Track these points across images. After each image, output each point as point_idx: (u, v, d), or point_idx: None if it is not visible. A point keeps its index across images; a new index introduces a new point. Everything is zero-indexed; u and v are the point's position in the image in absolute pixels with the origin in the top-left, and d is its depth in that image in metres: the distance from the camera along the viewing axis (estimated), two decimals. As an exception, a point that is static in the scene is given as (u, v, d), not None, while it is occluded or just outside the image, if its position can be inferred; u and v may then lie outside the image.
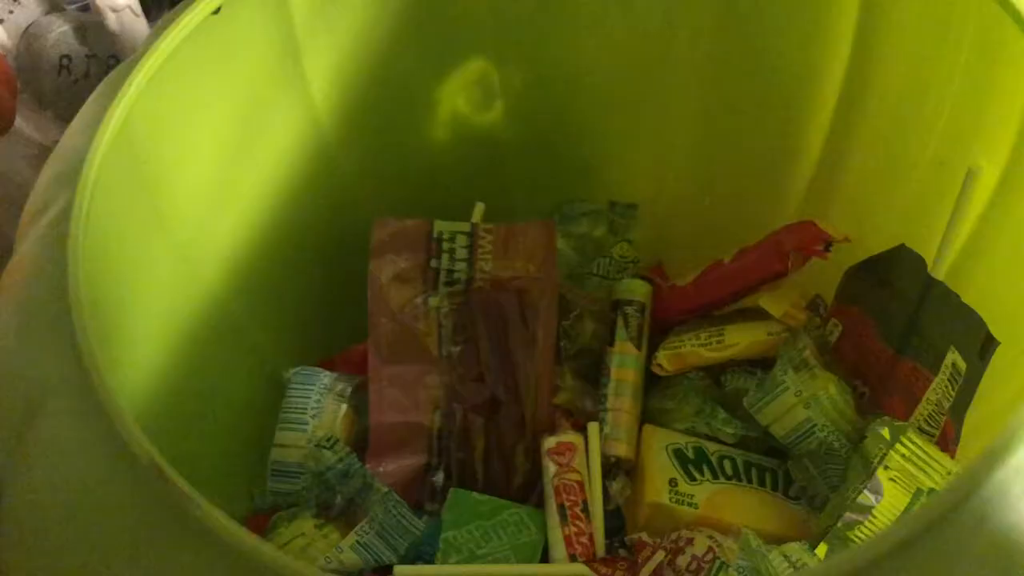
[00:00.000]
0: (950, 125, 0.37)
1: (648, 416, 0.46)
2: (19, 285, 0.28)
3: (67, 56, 0.54)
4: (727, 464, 0.43)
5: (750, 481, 0.43)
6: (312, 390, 0.43)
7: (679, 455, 0.43)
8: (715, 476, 0.43)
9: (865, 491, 0.39)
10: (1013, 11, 0.28)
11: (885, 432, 0.40)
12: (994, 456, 0.23)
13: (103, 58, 0.55)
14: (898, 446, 0.39)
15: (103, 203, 0.29)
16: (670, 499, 0.42)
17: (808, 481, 0.43)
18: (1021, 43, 0.30)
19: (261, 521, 0.40)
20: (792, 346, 0.44)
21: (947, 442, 0.40)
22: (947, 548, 0.21)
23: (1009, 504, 0.22)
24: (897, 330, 0.43)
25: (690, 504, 0.42)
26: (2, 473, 0.27)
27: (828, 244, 0.44)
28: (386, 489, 0.39)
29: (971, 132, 0.37)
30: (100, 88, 0.33)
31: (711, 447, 0.44)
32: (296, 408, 0.43)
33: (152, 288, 0.35)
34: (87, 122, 0.31)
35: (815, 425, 0.42)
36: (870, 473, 0.39)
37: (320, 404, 0.43)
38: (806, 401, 0.42)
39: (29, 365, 0.26)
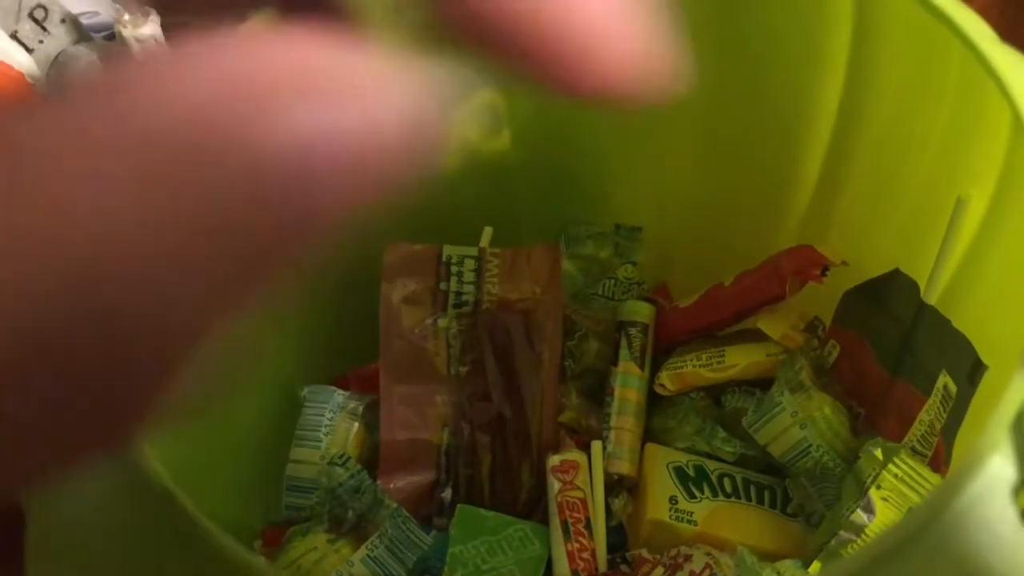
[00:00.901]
0: (939, 155, 0.38)
1: (650, 435, 0.47)
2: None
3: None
4: (727, 482, 0.45)
5: (749, 498, 0.44)
6: (326, 408, 0.45)
7: (680, 473, 0.44)
8: (715, 494, 0.44)
9: (858, 510, 0.40)
10: (990, 69, 0.29)
11: (878, 452, 0.41)
12: (952, 485, 0.24)
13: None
14: (891, 466, 0.40)
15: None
16: (670, 516, 0.43)
17: (805, 499, 0.44)
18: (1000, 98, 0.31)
19: (276, 534, 0.42)
20: (789, 368, 0.45)
21: (939, 462, 0.41)
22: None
23: (965, 534, 0.23)
24: (892, 353, 0.45)
25: (690, 521, 0.43)
26: (28, 499, 0.29)
27: (825, 268, 0.45)
28: (395, 505, 0.41)
29: (959, 162, 0.38)
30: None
31: (711, 465, 0.45)
32: (310, 425, 0.44)
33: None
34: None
35: (810, 445, 0.43)
36: (863, 492, 0.40)
37: (333, 422, 0.44)
38: (802, 422, 0.43)
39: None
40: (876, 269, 0.44)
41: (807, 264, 0.45)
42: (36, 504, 0.28)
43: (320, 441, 0.44)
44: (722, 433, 0.46)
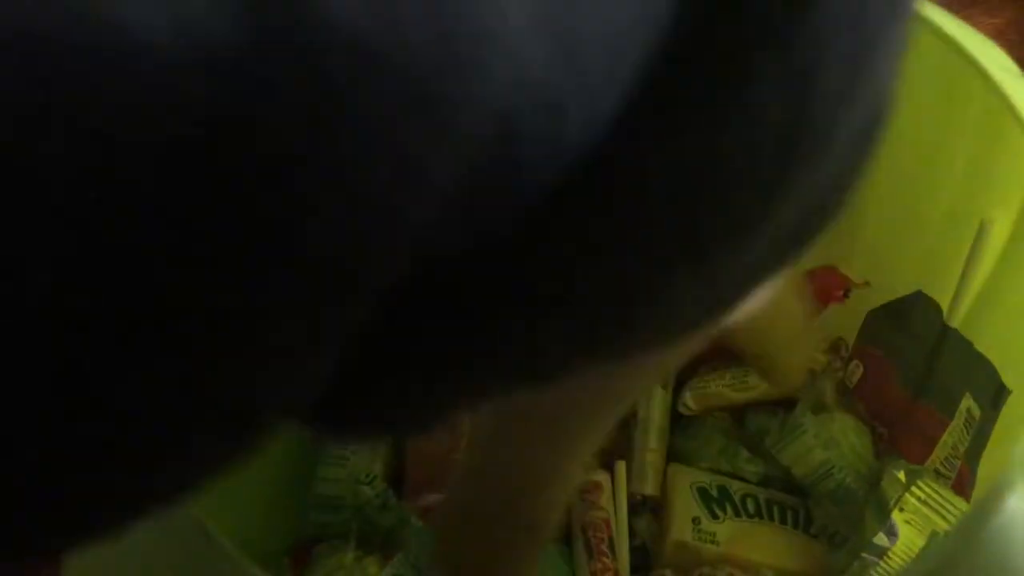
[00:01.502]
0: (962, 180, 0.39)
1: (673, 455, 0.47)
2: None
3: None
4: (750, 502, 0.45)
5: (772, 518, 0.45)
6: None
7: (703, 493, 0.45)
8: (737, 514, 0.44)
9: (881, 532, 0.40)
10: (1008, 103, 0.30)
11: (901, 475, 0.41)
12: (975, 519, 0.24)
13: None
14: (914, 489, 0.41)
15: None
16: (693, 537, 0.43)
17: (828, 519, 0.44)
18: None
19: (304, 551, 0.43)
20: (812, 389, 0.45)
21: (964, 485, 0.41)
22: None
23: (988, 566, 0.23)
24: (915, 374, 0.45)
25: (713, 542, 0.43)
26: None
27: (847, 290, 0.45)
28: (420, 524, 0.41)
29: (982, 187, 0.38)
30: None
31: (735, 485, 0.45)
32: (337, 443, 0.45)
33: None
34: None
35: (833, 467, 0.43)
36: (886, 515, 0.41)
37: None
38: (824, 443, 0.44)
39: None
40: (900, 290, 0.45)
41: (830, 285, 0.45)
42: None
43: (346, 459, 0.44)
44: (746, 453, 0.46)
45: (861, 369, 0.48)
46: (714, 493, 0.45)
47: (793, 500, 0.45)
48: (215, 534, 0.24)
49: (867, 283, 0.45)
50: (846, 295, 0.45)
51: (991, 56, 0.32)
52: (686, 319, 0.21)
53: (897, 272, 0.44)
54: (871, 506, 0.42)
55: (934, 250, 0.42)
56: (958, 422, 0.41)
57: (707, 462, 0.46)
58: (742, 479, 0.46)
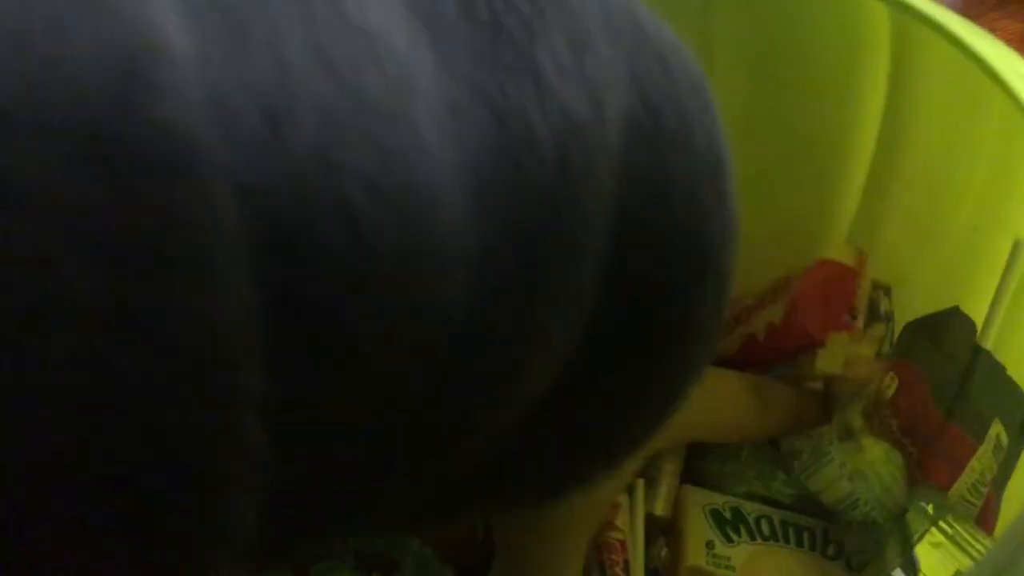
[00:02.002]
0: (983, 195, 0.37)
1: (701, 478, 0.45)
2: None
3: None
4: (764, 524, 0.43)
5: (787, 541, 0.43)
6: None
7: (716, 516, 0.43)
8: (752, 537, 0.43)
9: (899, 568, 0.38)
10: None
11: (929, 508, 0.39)
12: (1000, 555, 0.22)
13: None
14: (940, 523, 0.38)
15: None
16: (707, 562, 0.42)
17: (855, 545, 0.42)
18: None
19: (302, 570, 0.42)
20: (842, 411, 0.43)
21: (989, 514, 0.39)
22: None
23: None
24: (947, 393, 0.42)
25: (728, 567, 0.42)
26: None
27: (853, 310, 0.43)
28: (417, 544, 0.40)
29: (1006, 203, 0.36)
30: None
31: (748, 507, 0.43)
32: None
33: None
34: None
35: (858, 499, 0.41)
36: (908, 548, 0.38)
37: None
38: (850, 475, 0.41)
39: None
40: (928, 303, 0.43)
41: (834, 304, 0.43)
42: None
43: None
44: (782, 476, 0.44)
45: (896, 382, 0.46)
46: (727, 515, 0.43)
47: (810, 521, 0.43)
48: None
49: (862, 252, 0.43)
50: (853, 318, 0.43)
51: (1011, 64, 0.30)
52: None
53: (918, 288, 0.42)
54: (894, 536, 0.40)
55: (960, 262, 0.40)
56: (987, 448, 0.39)
57: (742, 486, 0.44)
58: (757, 500, 0.44)
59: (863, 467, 0.41)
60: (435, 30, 0.17)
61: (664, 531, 0.44)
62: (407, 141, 0.16)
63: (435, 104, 0.17)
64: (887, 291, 0.46)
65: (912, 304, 0.43)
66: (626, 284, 0.21)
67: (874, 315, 0.46)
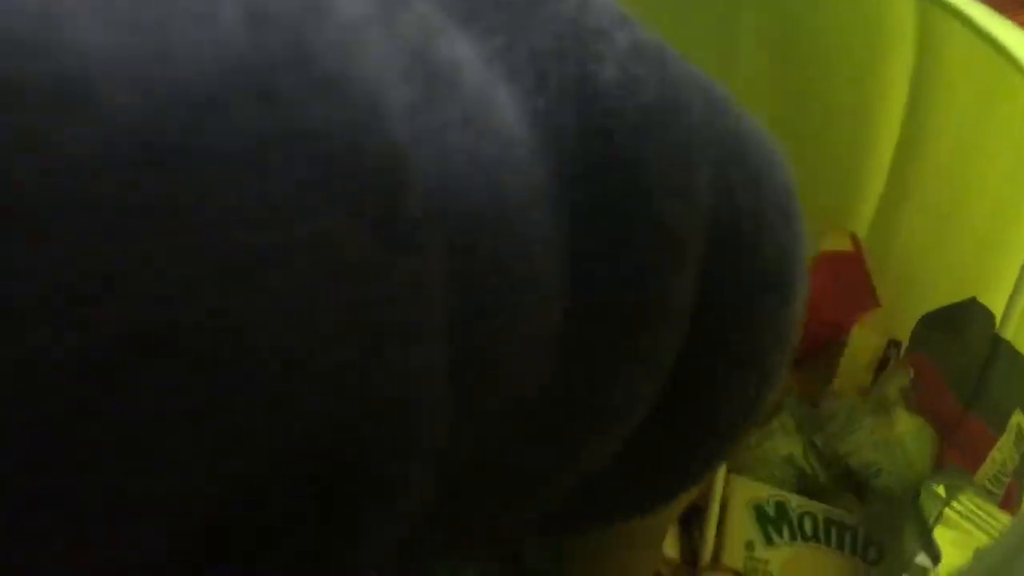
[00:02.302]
0: (1005, 185, 0.37)
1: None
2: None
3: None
4: (807, 522, 0.43)
5: (829, 543, 0.43)
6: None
7: (760, 513, 0.43)
8: (794, 537, 0.43)
9: (922, 553, 0.38)
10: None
11: (940, 489, 0.39)
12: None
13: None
14: (954, 504, 0.39)
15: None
16: (745, 566, 0.42)
17: (874, 521, 0.43)
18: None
19: None
20: (876, 388, 0.44)
21: (1011, 504, 0.39)
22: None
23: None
24: (966, 385, 0.43)
25: (765, 572, 0.42)
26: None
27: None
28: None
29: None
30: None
31: (794, 502, 0.43)
32: None
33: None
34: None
35: (880, 469, 0.42)
36: (926, 532, 0.39)
37: None
38: (875, 443, 0.42)
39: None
40: (941, 296, 0.43)
41: (854, 289, 0.44)
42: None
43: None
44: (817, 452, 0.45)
45: (911, 374, 0.46)
46: (771, 512, 0.43)
47: (852, 519, 0.43)
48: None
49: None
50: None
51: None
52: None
53: (939, 276, 0.43)
54: (910, 521, 0.40)
55: (981, 254, 0.40)
56: (1008, 439, 0.39)
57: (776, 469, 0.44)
58: (804, 493, 0.44)
59: (891, 438, 0.42)
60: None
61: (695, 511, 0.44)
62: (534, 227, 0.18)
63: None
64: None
65: (934, 296, 0.43)
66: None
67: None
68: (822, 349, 0.46)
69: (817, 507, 0.44)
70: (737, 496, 0.44)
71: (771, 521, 0.43)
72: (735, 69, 0.36)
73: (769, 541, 0.42)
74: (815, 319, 0.46)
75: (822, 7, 0.40)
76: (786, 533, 0.43)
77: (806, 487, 0.45)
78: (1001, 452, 0.40)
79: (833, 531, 0.43)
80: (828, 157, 0.44)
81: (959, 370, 0.43)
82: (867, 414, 0.43)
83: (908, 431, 0.43)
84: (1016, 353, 0.39)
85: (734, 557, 0.42)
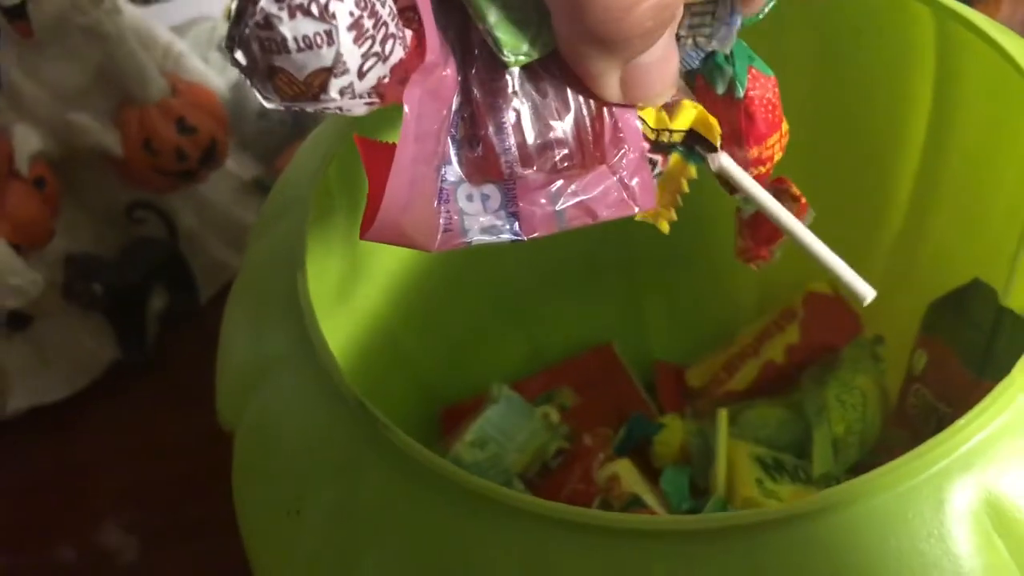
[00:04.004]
0: (1018, 183, 0.42)
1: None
2: (256, 280, 0.36)
3: (267, 106, 0.63)
4: (802, 472, 0.50)
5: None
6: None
7: (761, 462, 0.49)
8: (793, 480, 0.49)
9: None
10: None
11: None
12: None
13: (295, 110, 0.64)
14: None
15: (321, 221, 0.38)
16: (759, 493, 0.48)
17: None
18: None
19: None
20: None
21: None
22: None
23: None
24: (976, 357, 0.48)
25: (777, 499, 0.47)
26: (234, 420, 0.36)
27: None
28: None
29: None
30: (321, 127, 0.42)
31: (788, 460, 0.50)
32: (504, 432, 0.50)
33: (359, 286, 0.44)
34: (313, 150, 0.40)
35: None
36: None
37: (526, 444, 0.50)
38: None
39: (264, 342, 0.35)
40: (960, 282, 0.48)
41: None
42: (244, 418, 0.34)
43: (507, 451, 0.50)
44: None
45: (925, 357, 0.51)
46: (770, 462, 0.49)
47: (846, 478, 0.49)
48: (372, 409, 0.30)
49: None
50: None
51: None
52: None
53: (962, 267, 0.48)
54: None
55: (996, 246, 0.46)
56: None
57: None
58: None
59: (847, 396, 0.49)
60: None
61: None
62: None
63: None
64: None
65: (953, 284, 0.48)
66: None
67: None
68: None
69: (808, 464, 0.50)
70: (739, 452, 0.50)
71: (771, 467, 0.49)
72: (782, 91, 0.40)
73: (774, 479, 0.48)
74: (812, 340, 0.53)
75: (855, 31, 0.45)
76: (787, 477, 0.49)
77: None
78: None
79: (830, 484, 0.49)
80: (861, 171, 0.50)
81: (969, 344, 0.48)
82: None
83: (869, 383, 0.51)
84: (1018, 318, 0.44)
85: (749, 488, 0.48)
